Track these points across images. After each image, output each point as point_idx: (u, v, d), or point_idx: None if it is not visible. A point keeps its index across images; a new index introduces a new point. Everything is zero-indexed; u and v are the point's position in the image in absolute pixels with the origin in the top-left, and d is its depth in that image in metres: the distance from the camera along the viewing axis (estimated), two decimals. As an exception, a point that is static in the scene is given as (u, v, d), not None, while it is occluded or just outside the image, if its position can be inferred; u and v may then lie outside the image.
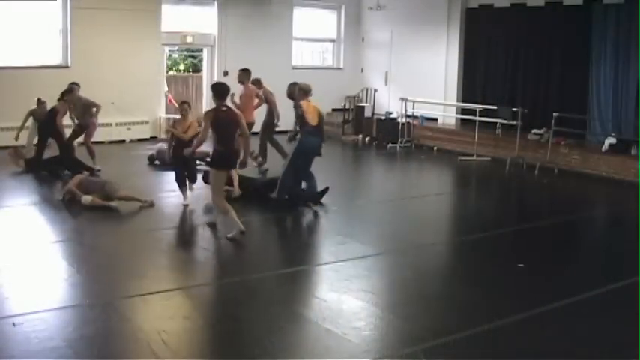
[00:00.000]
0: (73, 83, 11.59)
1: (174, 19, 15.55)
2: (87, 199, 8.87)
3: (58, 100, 11.19)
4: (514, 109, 13.59)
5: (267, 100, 11.98)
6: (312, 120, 9.15)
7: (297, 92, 9.43)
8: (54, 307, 5.60)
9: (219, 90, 7.75)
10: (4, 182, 10.51)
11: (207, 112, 7.76)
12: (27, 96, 13.45)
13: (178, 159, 9.18)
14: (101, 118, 11.86)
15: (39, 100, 11.77)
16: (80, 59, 14.05)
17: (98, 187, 9.11)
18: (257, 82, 12.09)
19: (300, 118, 9.21)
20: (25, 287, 6.15)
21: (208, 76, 16.46)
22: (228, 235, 7.60)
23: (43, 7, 13.99)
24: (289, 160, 9.32)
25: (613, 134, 13.23)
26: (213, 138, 7.59)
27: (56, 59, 14.23)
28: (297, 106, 9.28)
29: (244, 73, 11.80)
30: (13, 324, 5.21)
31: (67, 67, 14.18)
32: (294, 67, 17.42)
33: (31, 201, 9.60)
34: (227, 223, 7.84)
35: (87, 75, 13.97)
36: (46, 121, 11.18)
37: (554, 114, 12.75)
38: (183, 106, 9.48)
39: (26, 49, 13.84)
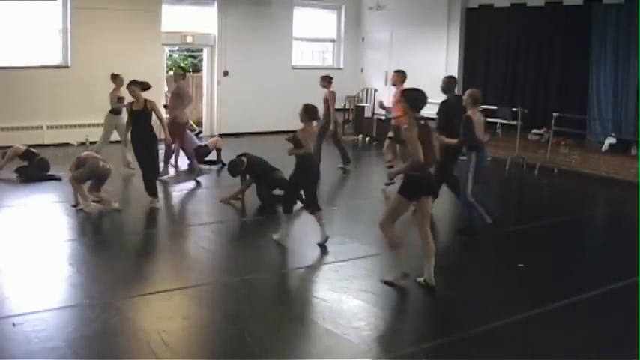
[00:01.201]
0: (179, 67, 11.38)
1: (174, 19, 15.54)
2: (88, 205, 8.84)
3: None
4: (514, 109, 13.59)
5: (327, 102, 11.95)
6: (480, 133, 8.11)
7: (467, 100, 8.17)
8: (54, 307, 5.60)
9: (416, 98, 6.30)
10: (4, 183, 10.51)
11: (408, 127, 6.13)
12: (27, 96, 13.49)
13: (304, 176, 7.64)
14: (101, 118, 11.83)
15: (113, 74, 11.38)
16: (80, 59, 14.05)
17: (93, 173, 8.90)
18: (325, 80, 12.08)
19: (469, 129, 8.00)
20: (25, 287, 6.16)
21: (208, 76, 16.46)
22: (387, 279, 6.41)
23: (43, 7, 13.98)
24: (470, 179, 8.16)
25: (613, 134, 13.24)
26: (402, 157, 6.19)
27: (56, 59, 14.22)
28: (464, 118, 8.09)
29: (400, 75, 11.16)
30: (13, 324, 5.22)
31: (67, 67, 14.19)
32: (294, 67, 17.44)
33: (30, 201, 9.61)
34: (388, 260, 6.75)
35: (87, 75, 14.01)
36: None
37: (554, 114, 12.75)
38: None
39: (26, 49, 13.84)
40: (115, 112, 11.33)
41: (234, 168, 9.60)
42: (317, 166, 7.83)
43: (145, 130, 9.06)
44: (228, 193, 9.61)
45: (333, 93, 12.06)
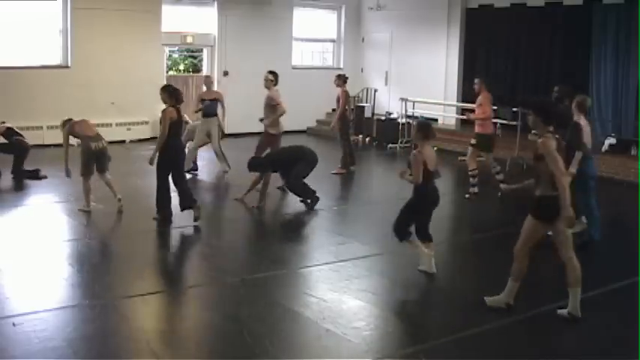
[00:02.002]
0: (270, 72, 10.59)
1: (175, 20, 15.57)
2: (87, 205, 8.82)
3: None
4: (514, 109, 13.59)
5: (341, 101, 11.93)
6: (588, 141, 7.66)
7: (575, 107, 7.76)
8: (54, 307, 5.60)
9: (551, 112, 5.72)
10: (3, 183, 10.51)
11: (547, 140, 5.54)
12: (27, 96, 13.50)
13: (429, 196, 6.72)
14: (101, 118, 11.84)
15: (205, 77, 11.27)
16: (80, 59, 14.06)
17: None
18: (340, 79, 12.01)
19: (576, 137, 7.42)
20: (25, 287, 6.16)
21: (208, 77, 16.46)
22: (488, 300, 5.90)
23: (43, 7, 14.00)
24: (587, 190, 7.66)
25: (613, 134, 13.23)
26: (541, 176, 5.62)
27: (56, 59, 14.24)
28: (573, 124, 7.56)
29: (483, 83, 10.53)
30: (13, 324, 5.22)
31: (67, 67, 14.20)
32: (294, 68, 17.44)
33: (30, 201, 9.61)
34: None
35: (87, 75, 14.03)
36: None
37: (554, 114, 12.74)
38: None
39: (26, 49, 13.85)
40: (205, 114, 11.03)
41: (252, 164, 9.46)
42: (436, 191, 6.81)
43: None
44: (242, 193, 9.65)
45: (344, 92, 12.06)
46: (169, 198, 8.40)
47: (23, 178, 10.64)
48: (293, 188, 9.41)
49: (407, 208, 6.76)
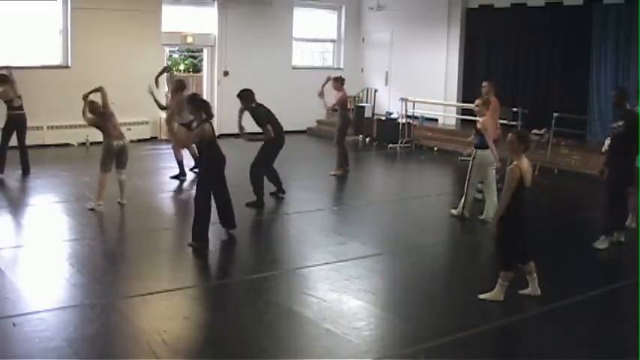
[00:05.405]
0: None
1: (175, 19, 15.56)
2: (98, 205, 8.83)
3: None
4: (514, 109, 13.59)
5: (342, 103, 11.91)
6: None
7: None
8: (54, 307, 5.61)
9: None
10: (4, 183, 10.51)
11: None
12: (27, 96, 13.46)
13: None
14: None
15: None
16: (80, 59, 14.05)
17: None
18: (338, 80, 11.92)
19: None
20: (26, 287, 6.16)
21: (208, 77, 16.47)
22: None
23: (43, 7, 13.99)
24: None
25: (613, 134, 13.23)
26: None
27: (56, 59, 14.23)
28: None
29: (491, 86, 9.87)
30: (14, 324, 5.22)
31: (67, 67, 14.20)
32: (294, 68, 17.44)
33: (30, 201, 9.61)
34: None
35: (87, 75, 13.96)
36: None
37: (554, 114, 12.75)
38: None
39: (26, 49, 13.85)
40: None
41: None
42: (528, 209, 6.31)
43: None
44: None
45: (347, 97, 12.08)
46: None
47: None
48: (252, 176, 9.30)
49: (507, 235, 6.04)
